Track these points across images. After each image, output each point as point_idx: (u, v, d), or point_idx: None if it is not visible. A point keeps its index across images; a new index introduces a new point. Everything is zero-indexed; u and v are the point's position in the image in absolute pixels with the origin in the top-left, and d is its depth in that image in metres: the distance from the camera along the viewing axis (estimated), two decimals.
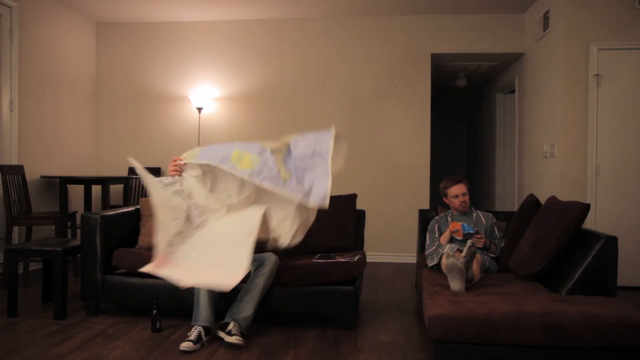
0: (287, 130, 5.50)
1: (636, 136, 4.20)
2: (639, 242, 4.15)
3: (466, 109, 9.24)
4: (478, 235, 3.07)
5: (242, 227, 2.62)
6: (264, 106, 5.58)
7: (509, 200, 6.20)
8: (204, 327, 2.77)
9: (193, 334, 2.71)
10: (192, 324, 2.80)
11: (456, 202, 3.32)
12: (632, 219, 4.18)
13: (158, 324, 2.97)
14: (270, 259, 2.99)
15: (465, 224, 3.08)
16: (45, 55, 4.92)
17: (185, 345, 2.64)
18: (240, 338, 2.68)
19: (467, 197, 3.32)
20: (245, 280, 2.86)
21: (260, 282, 2.88)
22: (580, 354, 2.13)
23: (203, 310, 2.80)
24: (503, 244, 3.24)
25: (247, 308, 2.80)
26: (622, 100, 4.21)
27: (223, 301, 3.08)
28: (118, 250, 3.26)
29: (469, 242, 2.68)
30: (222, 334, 2.71)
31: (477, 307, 2.25)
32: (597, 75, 4.22)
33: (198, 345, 2.69)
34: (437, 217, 3.48)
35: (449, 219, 3.38)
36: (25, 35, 4.63)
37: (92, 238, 3.23)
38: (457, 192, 3.30)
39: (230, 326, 2.71)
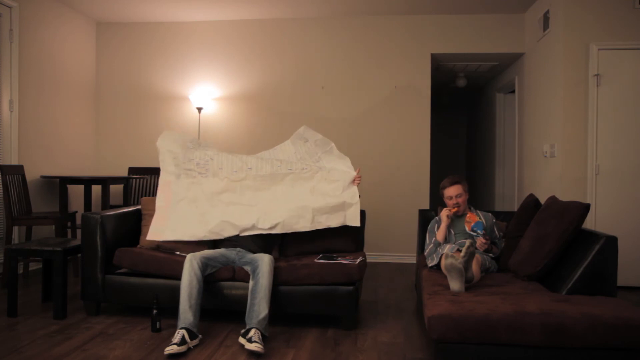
0: (287, 130, 5.53)
1: (636, 136, 4.20)
2: (639, 242, 4.15)
3: (466, 108, 9.24)
4: (483, 240, 3.07)
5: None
6: (264, 106, 5.59)
7: (509, 200, 6.20)
8: (187, 330, 2.70)
9: (176, 338, 2.65)
10: (177, 329, 2.74)
11: (449, 204, 3.31)
12: (632, 219, 4.18)
13: (158, 324, 2.97)
14: (264, 259, 3.00)
15: (480, 223, 3.09)
16: (45, 55, 4.92)
17: (169, 349, 2.58)
18: (260, 345, 2.60)
19: (461, 199, 3.28)
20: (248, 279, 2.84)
21: (263, 281, 2.88)
22: (580, 354, 2.14)
23: (183, 313, 2.77)
24: (503, 244, 3.24)
25: (261, 308, 2.79)
26: (622, 100, 4.21)
27: (216, 300, 3.09)
28: (119, 250, 3.26)
29: (467, 242, 2.67)
30: (243, 341, 2.67)
31: (477, 307, 2.25)
32: (597, 75, 4.22)
33: (183, 347, 2.62)
34: (437, 217, 3.48)
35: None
36: (25, 35, 4.63)
37: (92, 238, 3.23)
38: (450, 193, 3.29)
39: (252, 333, 2.66)
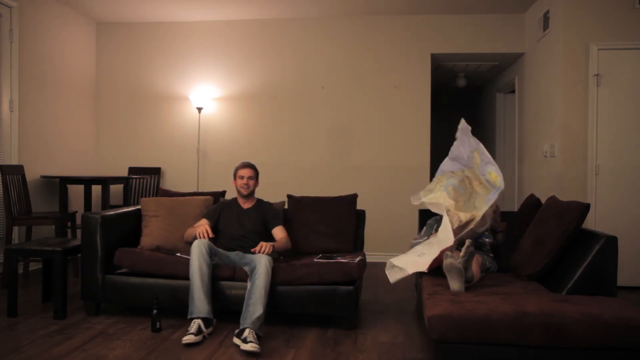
0: (286, 130, 5.53)
1: (636, 136, 4.20)
2: (639, 242, 4.15)
3: (466, 108, 9.23)
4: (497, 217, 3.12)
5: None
6: (264, 106, 5.59)
7: (509, 200, 6.20)
8: (203, 319, 2.80)
9: (193, 327, 2.75)
10: (189, 317, 2.84)
11: None
12: (632, 218, 4.18)
13: (158, 324, 2.97)
14: (261, 260, 3.00)
15: None
16: (45, 55, 4.92)
17: (187, 339, 2.69)
18: (256, 345, 2.62)
19: None
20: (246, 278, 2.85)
21: (259, 282, 2.88)
22: (580, 354, 2.14)
23: (198, 302, 2.83)
24: (502, 235, 3.26)
25: (256, 308, 2.80)
26: (622, 100, 4.21)
27: (216, 300, 3.09)
28: (119, 250, 3.26)
29: (467, 242, 2.67)
30: (238, 341, 2.68)
31: (477, 307, 2.25)
32: (597, 75, 4.22)
33: (200, 337, 2.73)
34: (437, 216, 3.48)
35: None
36: (25, 35, 4.63)
37: (92, 238, 3.23)
38: None
39: (246, 333, 2.68)
